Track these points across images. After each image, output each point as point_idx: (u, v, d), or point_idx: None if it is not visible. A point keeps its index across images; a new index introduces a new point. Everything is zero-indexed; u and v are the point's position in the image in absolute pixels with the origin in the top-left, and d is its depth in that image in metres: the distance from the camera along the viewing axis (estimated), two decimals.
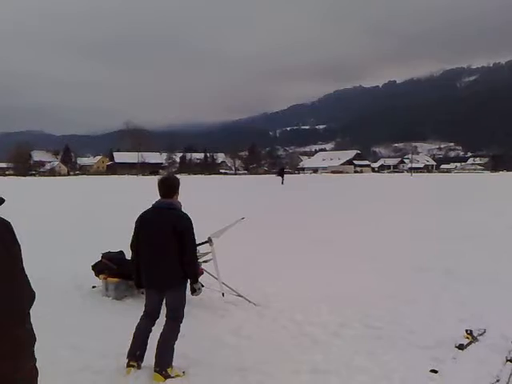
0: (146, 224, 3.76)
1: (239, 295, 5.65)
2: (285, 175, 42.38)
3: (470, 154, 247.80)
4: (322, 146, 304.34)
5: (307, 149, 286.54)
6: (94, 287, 6.24)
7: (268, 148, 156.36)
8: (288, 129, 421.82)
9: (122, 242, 5.31)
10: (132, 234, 3.84)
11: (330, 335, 4.61)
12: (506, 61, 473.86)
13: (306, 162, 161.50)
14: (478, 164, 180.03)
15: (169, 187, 3.81)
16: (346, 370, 3.79)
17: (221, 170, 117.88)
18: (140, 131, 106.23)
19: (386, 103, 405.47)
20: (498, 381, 3.54)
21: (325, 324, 4.88)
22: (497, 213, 15.73)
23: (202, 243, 5.39)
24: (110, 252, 6.22)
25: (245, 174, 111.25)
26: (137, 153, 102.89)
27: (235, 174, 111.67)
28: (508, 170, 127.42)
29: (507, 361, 3.89)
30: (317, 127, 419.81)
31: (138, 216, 3.85)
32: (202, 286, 3.91)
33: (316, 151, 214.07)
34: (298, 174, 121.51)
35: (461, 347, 4.20)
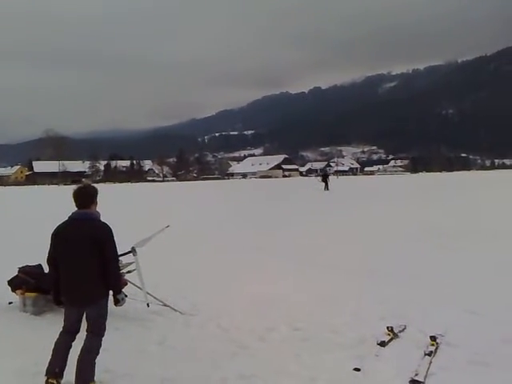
0: (62, 236, 3.57)
1: (165, 305, 5.54)
2: (328, 181, 37.75)
3: (391, 156, 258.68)
4: (251, 151, 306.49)
5: (236, 154, 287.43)
6: (10, 303, 5.90)
7: (196, 154, 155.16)
8: (217, 134, 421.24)
9: (39, 256, 5.05)
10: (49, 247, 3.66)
11: (257, 340, 4.61)
12: (424, 67, 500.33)
13: (236, 168, 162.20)
14: (399, 166, 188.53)
15: (85, 197, 3.64)
16: (273, 375, 3.81)
17: (148, 178, 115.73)
18: (61, 139, 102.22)
19: (312, 109, 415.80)
20: (416, 374, 3.68)
21: (252, 329, 4.88)
22: (417, 213, 16.47)
23: (125, 253, 5.24)
24: (27, 266, 5.91)
25: (173, 180, 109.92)
26: (58, 162, 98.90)
27: (163, 181, 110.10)
28: (427, 171, 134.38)
29: (425, 355, 4.06)
30: (245, 133, 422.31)
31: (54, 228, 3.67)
32: (126, 296, 3.78)
33: (245, 156, 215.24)
34: (228, 179, 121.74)
35: (382, 344, 4.34)
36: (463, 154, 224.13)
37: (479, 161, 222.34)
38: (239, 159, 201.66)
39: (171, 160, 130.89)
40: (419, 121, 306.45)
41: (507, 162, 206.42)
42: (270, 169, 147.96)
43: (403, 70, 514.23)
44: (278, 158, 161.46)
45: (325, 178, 37.87)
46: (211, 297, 6.10)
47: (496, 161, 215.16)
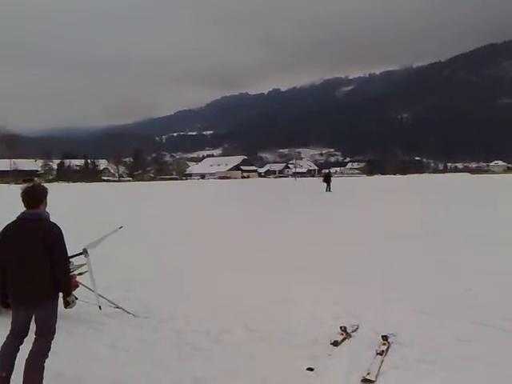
0: (10, 238, 3.44)
1: (118, 307, 5.44)
2: (331, 181, 35.03)
3: (348, 159, 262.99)
4: (210, 152, 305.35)
5: (194, 154, 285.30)
6: None
7: (154, 154, 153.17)
8: (175, 134, 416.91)
9: None
10: None
11: (211, 342, 4.59)
12: (380, 71, 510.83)
13: (194, 168, 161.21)
14: (356, 168, 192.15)
15: (33, 197, 3.51)
16: (227, 376, 3.80)
17: (103, 178, 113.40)
18: (12, 137, 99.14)
19: (271, 110, 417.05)
20: (368, 373, 3.74)
21: (207, 331, 4.85)
22: (371, 214, 16.79)
23: (77, 255, 5.11)
24: None
25: (129, 181, 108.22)
26: (8, 160, 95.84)
27: (119, 181, 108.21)
28: (382, 174, 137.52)
29: (377, 354, 4.13)
30: (204, 133, 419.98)
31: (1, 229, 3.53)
32: (76, 298, 3.68)
33: (203, 157, 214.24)
34: (186, 180, 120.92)
35: (335, 344, 4.39)
36: (417, 158, 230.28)
37: (432, 164, 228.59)
38: (198, 160, 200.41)
39: (127, 160, 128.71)
40: (375, 124, 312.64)
41: (459, 165, 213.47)
42: (229, 170, 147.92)
43: (360, 75, 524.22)
44: (237, 159, 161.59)
45: (327, 179, 35.27)
46: (165, 299, 6.03)
47: (449, 164, 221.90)
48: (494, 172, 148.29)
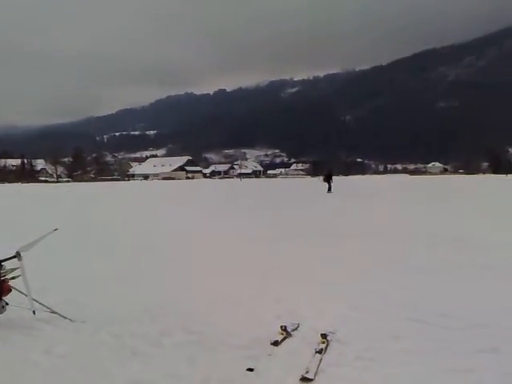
0: None
1: (53, 312, 5.24)
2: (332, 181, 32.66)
3: (293, 160, 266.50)
4: (154, 152, 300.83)
5: (138, 155, 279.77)
6: None
7: (94, 154, 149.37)
8: (117, 134, 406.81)
9: None
10: None
11: (150, 345, 4.50)
12: (324, 74, 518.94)
13: (137, 169, 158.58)
14: (301, 169, 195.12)
15: None
16: (166, 379, 3.73)
17: (41, 178, 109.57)
18: None
19: (217, 110, 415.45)
20: (307, 372, 3.77)
21: (145, 334, 4.75)
22: (313, 213, 17.09)
23: (9, 258, 4.89)
24: None
25: (68, 181, 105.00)
26: None
27: (57, 181, 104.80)
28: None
29: (316, 352, 4.18)
30: (148, 133, 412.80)
31: None
32: (7, 303, 3.53)
33: (147, 157, 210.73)
34: (128, 180, 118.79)
35: (275, 343, 4.40)
36: (359, 159, 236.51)
37: (373, 165, 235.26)
38: (141, 160, 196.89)
39: (66, 160, 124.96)
40: (319, 126, 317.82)
41: (398, 166, 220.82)
42: (173, 170, 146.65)
43: (304, 77, 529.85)
44: (182, 160, 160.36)
45: (328, 178, 32.91)
46: (103, 303, 5.86)
47: (389, 166, 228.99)
48: (431, 173, 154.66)
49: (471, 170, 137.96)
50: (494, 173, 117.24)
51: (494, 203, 21.37)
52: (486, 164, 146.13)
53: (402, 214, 16.75)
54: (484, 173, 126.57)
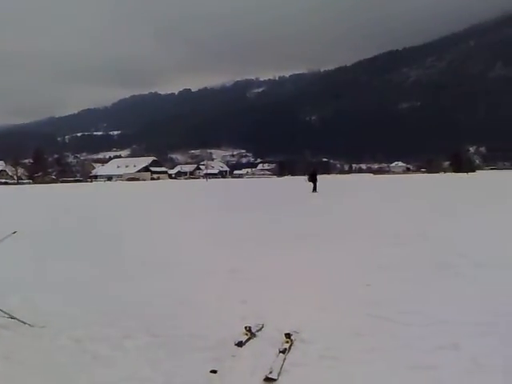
0: None
1: (11, 317, 5.08)
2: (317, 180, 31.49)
3: (259, 160, 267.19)
4: (117, 153, 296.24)
5: (101, 155, 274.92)
6: None
7: (56, 155, 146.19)
8: (79, 134, 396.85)
9: None
10: None
11: (112, 349, 4.42)
12: (289, 74, 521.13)
13: (100, 170, 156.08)
14: (267, 169, 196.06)
15: None
16: (128, 382, 3.69)
17: (0, 180, 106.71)
18: None
19: (182, 110, 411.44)
20: (271, 372, 3.76)
21: (107, 338, 4.67)
22: (289, 213, 17.14)
23: None
24: None
25: (29, 183, 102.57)
26: None
27: (17, 183, 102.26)
28: (292, 175, 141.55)
29: (280, 352, 4.18)
30: (111, 133, 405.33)
31: None
32: None
33: (110, 158, 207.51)
34: (91, 182, 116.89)
35: (240, 344, 4.38)
36: (324, 159, 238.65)
37: (338, 165, 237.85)
38: (104, 161, 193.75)
39: (27, 161, 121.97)
40: (285, 126, 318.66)
41: (363, 166, 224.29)
42: (138, 171, 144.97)
43: (270, 77, 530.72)
44: (146, 160, 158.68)
45: (313, 178, 31.75)
46: (63, 307, 5.73)
47: (354, 165, 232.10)
48: (394, 172, 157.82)
49: (433, 169, 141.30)
50: (455, 171, 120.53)
51: (454, 201, 21.88)
52: (447, 163, 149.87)
53: (371, 212, 16.99)
54: (445, 171, 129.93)
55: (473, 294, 5.79)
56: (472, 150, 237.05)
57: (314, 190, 30.47)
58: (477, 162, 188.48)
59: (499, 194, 26.87)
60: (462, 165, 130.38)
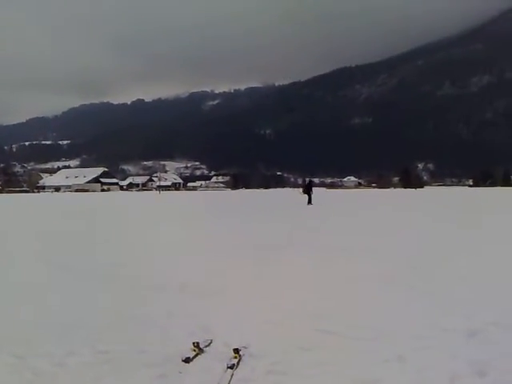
0: None
1: None
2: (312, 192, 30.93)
3: (213, 172, 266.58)
4: (66, 163, 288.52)
5: (49, 165, 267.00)
6: None
7: (2, 164, 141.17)
8: (26, 143, 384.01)
9: None
10: None
11: (55, 366, 4.27)
12: (244, 87, 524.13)
13: (48, 180, 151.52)
14: (221, 182, 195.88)
15: None
16: None
17: None
18: None
19: (135, 121, 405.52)
20: None
21: (50, 354, 4.51)
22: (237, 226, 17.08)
23: None
24: None
25: None
26: None
27: None
28: (246, 188, 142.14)
29: (228, 368, 4.12)
30: (60, 142, 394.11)
31: None
32: None
33: (59, 168, 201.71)
34: (38, 192, 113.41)
35: (187, 360, 4.31)
36: (279, 173, 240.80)
37: (292, 179, 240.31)
38: (52, 171, 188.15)
39: None
40: (240, 139, 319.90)
41: (316, 180, 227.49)
42: (87, 182, 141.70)
43: (225, 89, 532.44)
44: (97, 171, 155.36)
45: (308, 190, 31.37)
46: (3, 322, 5.51)
47: (307, 179, 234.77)
48: (346, 187, 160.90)
49: (383, 184, 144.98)
50: (404, 187, 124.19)
51: (402, 216, 22.44)
52: (397, 178, 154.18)
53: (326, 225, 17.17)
54: (395, 187, 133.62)
55: (420, 307, 5.90)
56: (421, 166, 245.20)
57: (309, 202, 30.27)
58: (425, 178, 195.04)
59: (448, 207, 27.91)
60: (411, 180, 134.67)
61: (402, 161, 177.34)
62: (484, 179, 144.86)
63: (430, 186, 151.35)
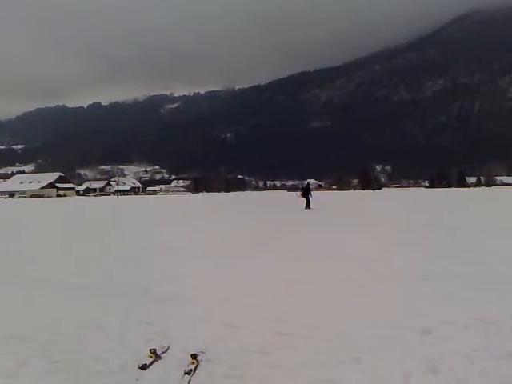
0: None
1: None
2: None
3: (173, 176, 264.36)
4: (21, 168, 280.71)
5: (2, 171, 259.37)
6: None
7: None
8: None
9: None
10: None
11: (4, 378, 4.14)
12: (204, 91, 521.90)
13: (1, 186, 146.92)
14: (182, 186, 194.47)
15: None
16: None
17: None
18: None
19: (92, 125, 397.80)
20: None
21: (0, 365, 4.36)
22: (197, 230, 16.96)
23: None
24: None
25: None
26: None
27: None
28: (207, 191, 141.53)
29: (185, 373, 4.09)
30: (14, 147, 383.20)
31: None
32: None
33: (13, 174, 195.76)
34: None
35: (144, 367, 4.25)
36: (240, 176, 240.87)
37: (253, 182, 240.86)
38: (5, 177, 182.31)
39: None
40: (200, 142, 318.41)
41: (277, 183, 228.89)
42: (43, 187, 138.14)
43: (185, 93, 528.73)
44: (52, 176, 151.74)
45: (306, 193, 29.93)
46: None
47: (268, 182, 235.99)
48: None
49: (343, 186, 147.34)
50: (363, 189, 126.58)
51: (362, 218, 22.78)
52: (356, 181, 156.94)
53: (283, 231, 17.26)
54: (354, 189, 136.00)
55: (376, 308, 5.98)
56: (378, 168, 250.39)
57: (308, 206, 29.42)
58: (383, 179, 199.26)
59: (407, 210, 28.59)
60: (370, 183, 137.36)
61: (361, 163, 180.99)
62: (439, 180, 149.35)
63: (388, 187, 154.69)
